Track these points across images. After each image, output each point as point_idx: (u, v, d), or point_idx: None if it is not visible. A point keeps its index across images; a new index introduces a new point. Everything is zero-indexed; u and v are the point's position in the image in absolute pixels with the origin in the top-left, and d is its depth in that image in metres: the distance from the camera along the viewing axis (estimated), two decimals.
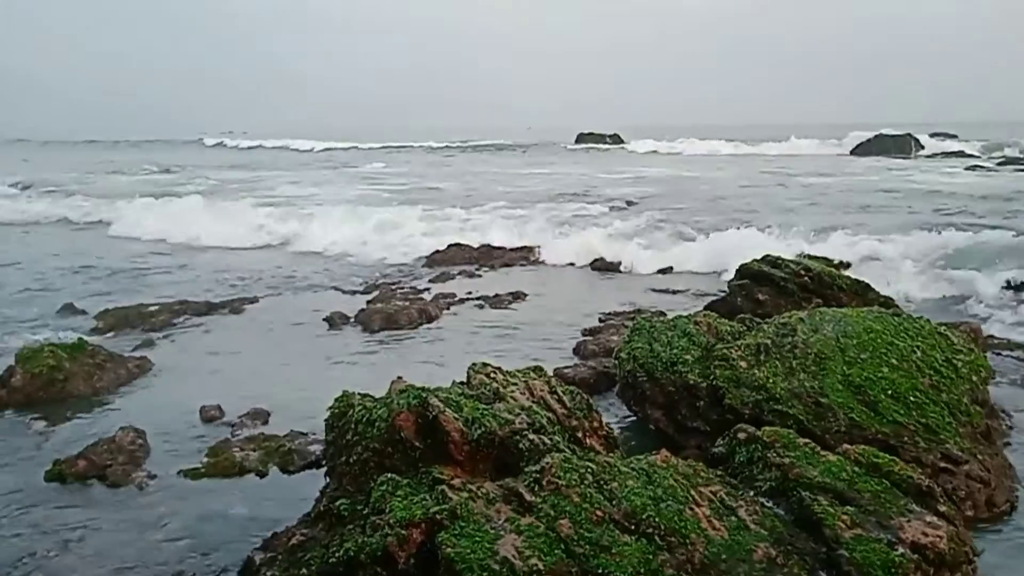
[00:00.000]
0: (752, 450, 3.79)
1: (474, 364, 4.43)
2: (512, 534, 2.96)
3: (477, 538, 2.92)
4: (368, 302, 9.46)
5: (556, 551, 2.90)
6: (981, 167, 30.28)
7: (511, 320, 8.79)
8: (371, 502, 3.31)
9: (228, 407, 5.75)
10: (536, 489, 3.19)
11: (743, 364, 4.86)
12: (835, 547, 3.09)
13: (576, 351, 7.28)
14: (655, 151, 49.17)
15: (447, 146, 59.05)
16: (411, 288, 10.61)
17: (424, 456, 3.58)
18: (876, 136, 43.13)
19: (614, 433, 4.37)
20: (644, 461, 3.50)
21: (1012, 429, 5.28)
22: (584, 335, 7.77)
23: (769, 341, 5.02)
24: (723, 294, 8.03)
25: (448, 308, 9.32)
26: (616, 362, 5.61)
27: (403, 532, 3.03)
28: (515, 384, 4.19)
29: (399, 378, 4.31)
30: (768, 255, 7.70)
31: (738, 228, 13.24)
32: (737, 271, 7.66)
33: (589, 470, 3.29)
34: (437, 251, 13.03)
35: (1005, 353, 7.00)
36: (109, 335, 8.10)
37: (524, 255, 12.98)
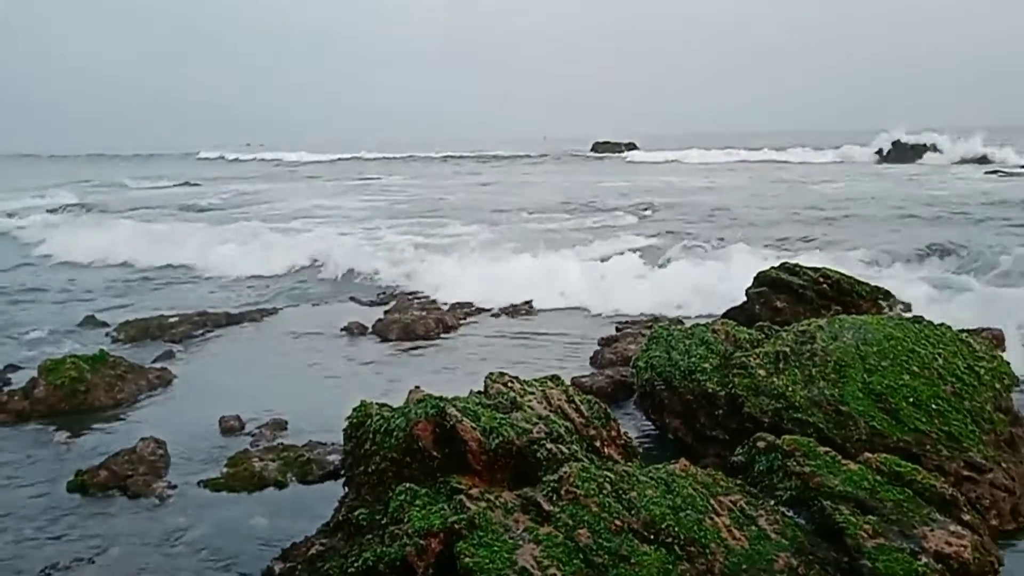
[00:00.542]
0: (772, 459, 3.76)
1: (491, 373, 4.43)
2: (530, 544, 2.95)
3: (495, 548, 2.92)
4: (385, 312, 9.49)
5: (575, 561, 2.89)
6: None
7: (528, 329, 8.79)
8: (389, 512, 3.32)
9: (247, 417, 5.79)
10: (554, 498, 3.18)
11: (762, 372, 4.83)
12: (857, 557, 3.05)
13: (593, 360, 7.26)
14: (676, 160, 48.62)
15: (462, 156, 59.34)
16: (428, 298, 10.63)
17: (442, 466, 3.59)
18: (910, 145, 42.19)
19: (632, 442, 4.35)
20: (663, 470, 3.48)
21: None
22: (601, 344, 7.75)
23: (788, 349, 4.99)
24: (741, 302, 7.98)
25: (465, 318, 9.34)
26: (634, 371, 5.60)
27: (421, 542, 3.03)
28: (532, 393, 4.18)
29: (417, 388, 4.31)
30: (786, 262, 7.65)
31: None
32: (755, 278, 7.61)
33: (607, 479, 3.28)
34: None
35: None
36: (130, 346, 8.18)
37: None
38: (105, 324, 9.15)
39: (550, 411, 4.02)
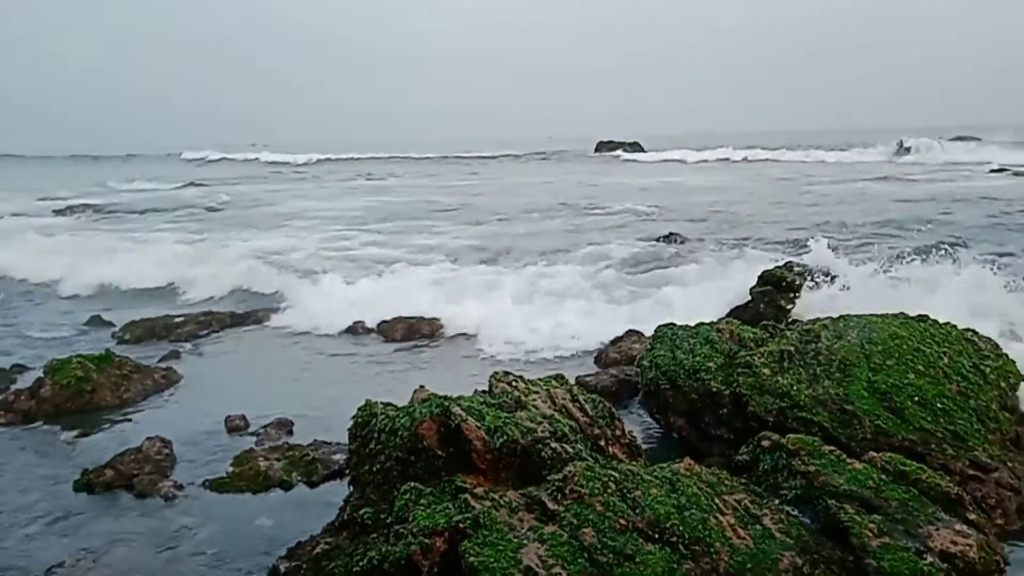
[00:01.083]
0: (776, 458, 3.76)
1: (496, 372, 4.44)
2: (535, 543, 2.95)
3: (500, 547, 2.92)
4: None
5: (579, 560, 2.90)
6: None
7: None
8: (394, 511, 3.32)
9: (252, 417, 5.80)
10: (559, 497, 3.19)
11: (766, 371, 4.82)
12: (862, 556, 3.05)
13: (598, 359, 7.26)
14: (681, 160, 48.39)
15: (473, 156, 59.33)
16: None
17: (447, 465, 3.59)
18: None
19: (637, 441, 4.35)
20: (667, 469, 3.48)
21: None
22: (606, 343, 7.74)
23: (792, 348, 4.98)
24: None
25: None
26: (638, 370, 5.59)
27: (426, 541, 3.04)
28: (537, 392, 4.19)
29: (421, 387, 4.32)
30: (790, 261, 7.64)
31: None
32: (760, 277, 7.61)
33: (612, 478, 3.28)
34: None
35: None
36: (135, 346, 8.21)
37: None
38: (111, 324, 9.17)
39: (554, 410, 4.02)
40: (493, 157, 59.87)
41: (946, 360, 4.81)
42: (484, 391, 4.25)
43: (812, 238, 8.58)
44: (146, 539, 4.19)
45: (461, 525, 3.04)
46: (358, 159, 59.75)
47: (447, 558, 3.01)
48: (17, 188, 31.30)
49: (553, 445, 3.61)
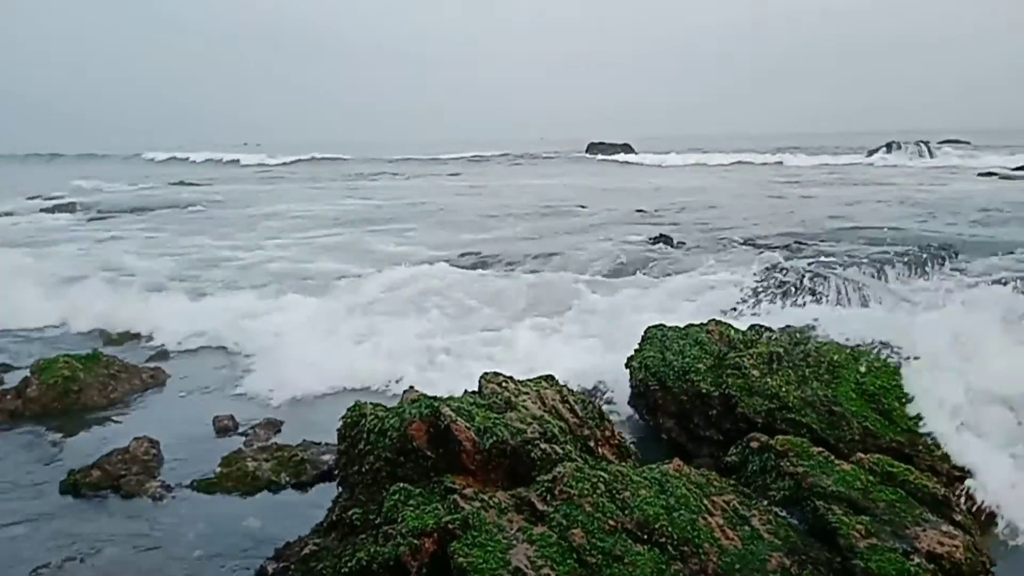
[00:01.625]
0: (765, 459, 3.78)
1: (486, 373, 4.43)
2: (524, 543, 2.95)
3: (489, 547, 2.92)
4: None
5: (568, 560, 2.90)
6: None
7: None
8: (383, 511, 3.31)
9: (241, 417, 5.78)
10: (548, 498, 3.19)
11: (756, 372, 4.84)
12: (850, 557, 3.07)
13: None
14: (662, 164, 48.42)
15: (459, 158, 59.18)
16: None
17: (436, 465, 3.58)
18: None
19: (626, 442, 4.36)
20: (657, 470, 3.49)
21: None
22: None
23: (781, 349, 5.00)
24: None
25: None
26: (628, 371, 5.60)
27: (415, 541, 3.03)
28: (527, 393, 4.19)
29: (411, 387, 4.31)
30: (780, 263, 7.68)
31: None
32: (751, 278, 7.64)
33: (601, 479, 3.28)
34: None
35: None
36: (123, 346, 8.16)
37: None
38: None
39: (544, 411, 4.02)
40: (485, 158, 59.76)
41: None
42: (474, 392, 4.25)
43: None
44: (133, 540, 4.16)
45: (450, 526, 3.04)
46: (346, 160, 59.39)
47: (436, 559, 3.00)
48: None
49: (543, 446, 3.61)
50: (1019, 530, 4.00)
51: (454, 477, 3.49)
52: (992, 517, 4.07)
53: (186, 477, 4.86)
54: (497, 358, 6.68)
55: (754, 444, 3.90)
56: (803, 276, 7.50)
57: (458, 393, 4.22)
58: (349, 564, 3.14)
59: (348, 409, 4.10)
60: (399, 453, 3.67)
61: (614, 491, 3.24)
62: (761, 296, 7.35)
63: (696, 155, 50.59)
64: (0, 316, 9.08)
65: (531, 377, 4.47)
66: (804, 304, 7.11)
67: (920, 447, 4.28)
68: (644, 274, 10.77)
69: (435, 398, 3.86)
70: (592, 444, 3.99)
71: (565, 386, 4.48)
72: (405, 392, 4.24)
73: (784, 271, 7.57)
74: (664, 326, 5.68)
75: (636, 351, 5.57)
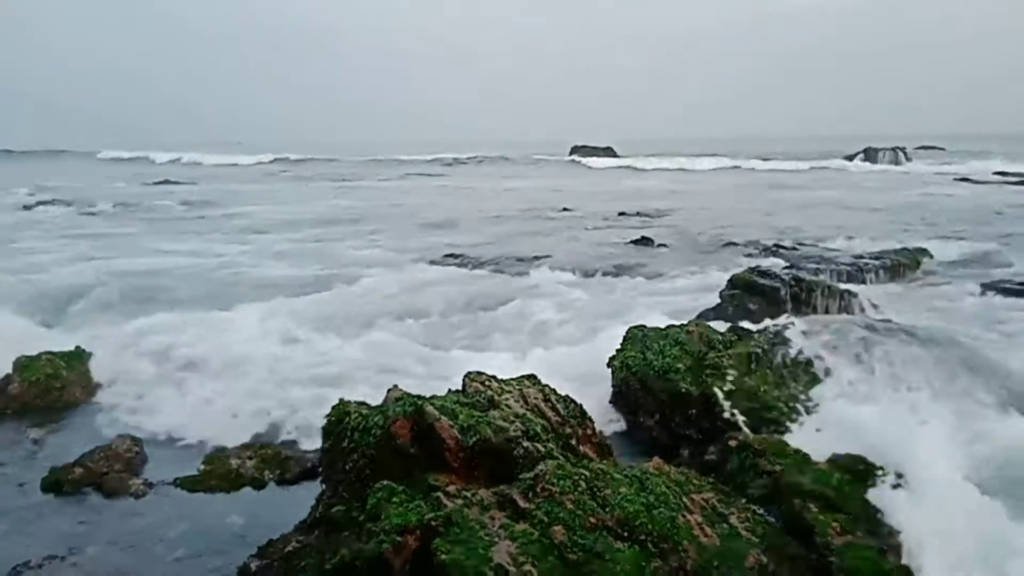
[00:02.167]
0: (743, 458, 3.84)
1: (469, 372, 4.45)
2: (506, 541, 2.99)
3: (471, 544, 2.95)
4: None
5: (550, 557, 2.94)
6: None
7: None
8: (367, 509, 3.34)
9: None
10: (530, 496, 3.22)
11: (735, 373, 4.91)
12: (826, 554, 3.13)
13: None
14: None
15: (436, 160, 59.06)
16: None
17: (419, 463, 3.61)
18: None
19: (607, 441, 4.40)
20: (637, 468, 3.53)
21: None
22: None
23: (760, 350, 5.07)
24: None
25: None
26: (609, 370, 5.65)
27: (398, 539, 3.06)
28: (509, 392, 4.22)
29: (395, 386, 4.33)
30: (759, 266, 7.77)
31: None
32: (729, 281, 7.72)
33: (583, 477, 3.32)
34: None
35: None
36: None
37: None
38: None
39: (527, 409, 4.05)
40: (463, 160, 59.75)
41: None
42: (457, 390, 4.28)
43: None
44: (115, 538, 4.16)
45: (433, 523, 3.07)
46: (331, 160, 59.10)
47: (419, 556, 3.03)
48: None
49: (525, 444, 3.64)
50: None
51: (437, 475, 3.51)
52: None
53: (169, 475, 4.86)
54: (475, 360, 6.63)
55: (732, 443, 3.96)
56: (780, 278, 7.57)
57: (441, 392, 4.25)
58: (332, 561, 3.17)
59: (332, 407, 4.12)
60: (382, 451, 3.69)
61: (595, 489, 3.28)
62: (739, 297, 7.42)
63: (680, 159, 50.75)
64: None
65: (514, 376, 4.50)
66: (782, 305, 7.19)
67: None
68: (626, 275, 10.88)
69: (419, 396, 3.88)
70: (574, 442, 4.03)
71: (547, 385, 4.52)
72: (389, 390, 4.26)
73: (762, 273, 7.64)
74: (645, 327, 5.73)
75: (617, 351, 5.62)
